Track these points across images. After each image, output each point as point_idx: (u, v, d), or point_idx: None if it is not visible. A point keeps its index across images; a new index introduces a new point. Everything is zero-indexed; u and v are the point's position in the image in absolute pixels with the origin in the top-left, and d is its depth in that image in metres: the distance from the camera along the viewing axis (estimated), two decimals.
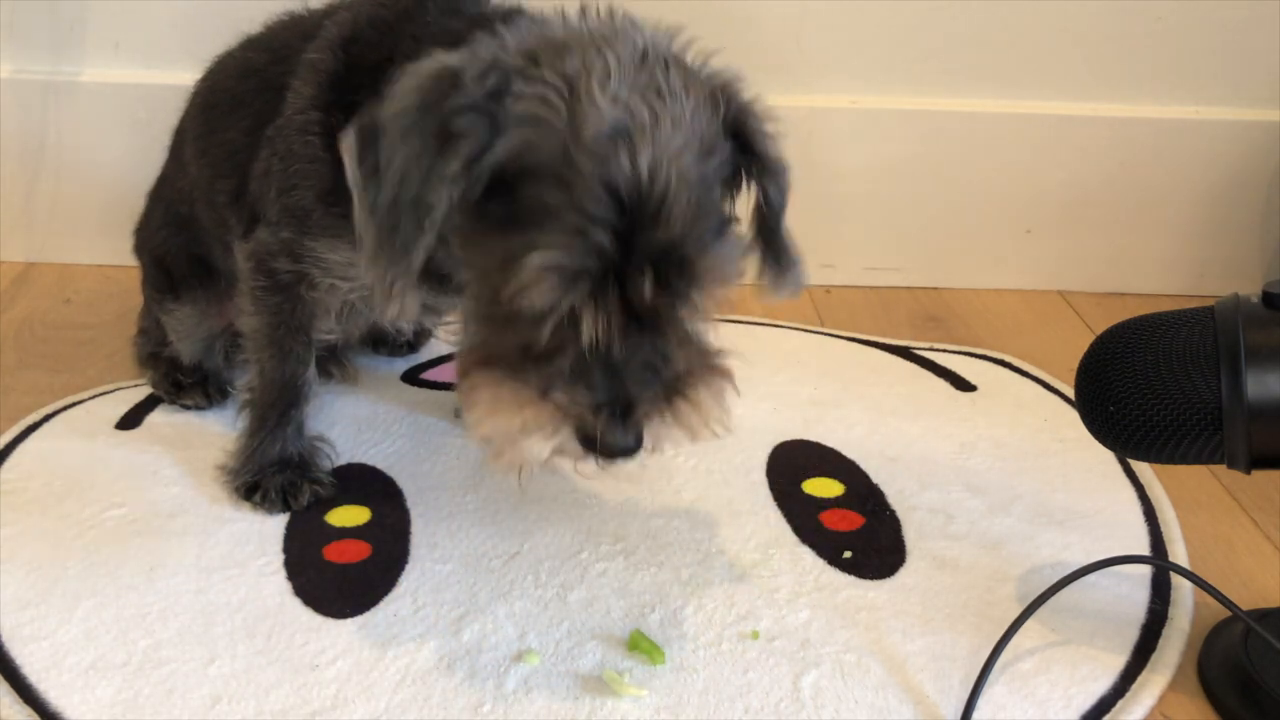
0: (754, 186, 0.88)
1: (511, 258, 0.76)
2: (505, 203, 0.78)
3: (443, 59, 0.79)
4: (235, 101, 1.11)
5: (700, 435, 0.83)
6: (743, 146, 0.85)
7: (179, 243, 1.25)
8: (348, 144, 0.80)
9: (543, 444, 0.80)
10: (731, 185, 0.87)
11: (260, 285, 1.08)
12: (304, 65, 1.03)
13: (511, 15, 0.91)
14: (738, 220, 0.84)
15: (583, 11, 0.85)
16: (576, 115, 0.75)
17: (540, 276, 0.75)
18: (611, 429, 0.79)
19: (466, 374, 0.82)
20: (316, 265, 1.04)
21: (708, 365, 0.84)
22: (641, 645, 0.96)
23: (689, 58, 0.85)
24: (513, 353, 0.80)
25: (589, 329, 0.77)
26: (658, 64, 0.79)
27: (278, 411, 1.14)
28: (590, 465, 0.81)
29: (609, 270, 0.76)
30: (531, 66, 0.78)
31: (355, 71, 0.98)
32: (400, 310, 0.79)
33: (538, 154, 0.76)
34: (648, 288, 0.76)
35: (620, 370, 0.79)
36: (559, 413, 0.79)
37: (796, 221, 1.67)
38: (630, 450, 0.80)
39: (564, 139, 0.75)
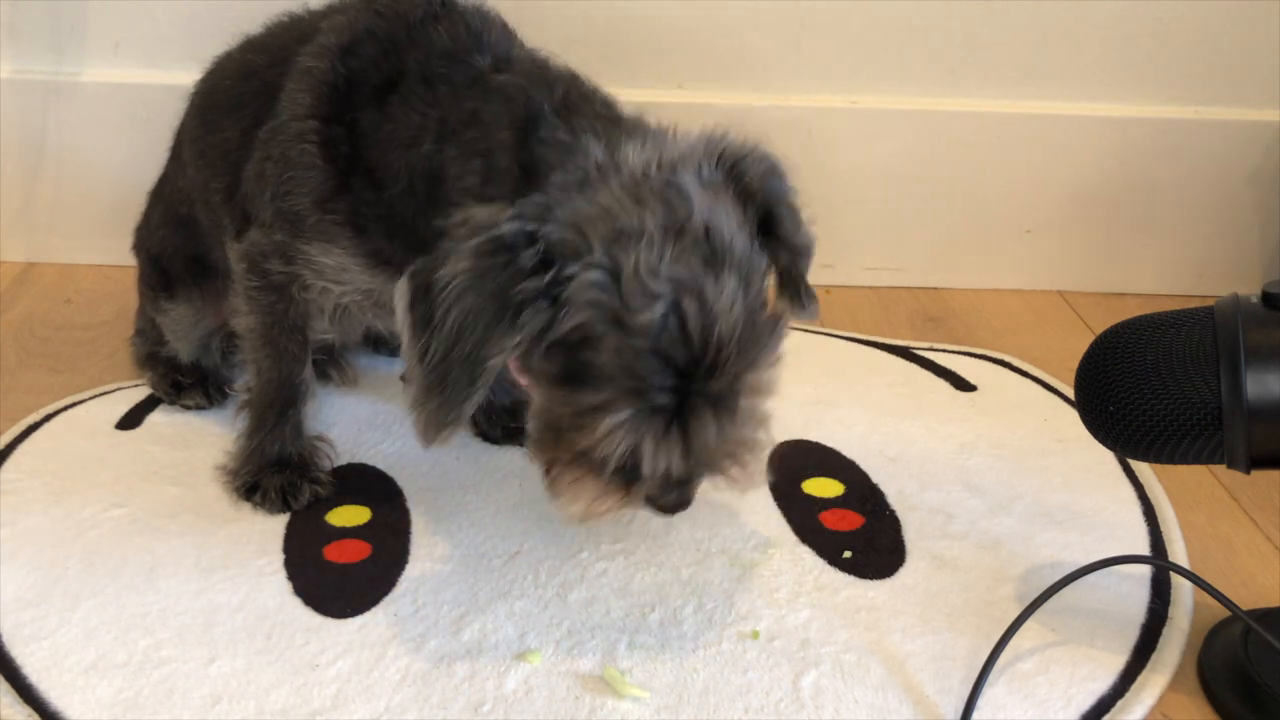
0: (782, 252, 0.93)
1: (581, 414, 0.84)
2: (565, 360, 0.84)
3: (488, 223, 0.82)
4: (233, 103, 1.12)
5: (744, 490, 0.92)
6: (771, 228, 0.90)
7: (177, 242, 1.25)
8: (400, 289, 0.84)
9: (618, 514, 0.91)
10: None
11: (254, 285, 1.08)
12: (300, 70, 1.03)
13: (512, 69, 0.96)
14: (777, 313, 0.90)
15: (610, 150, 0.88)
16: (626, 297, 0.80)
17: (610, 433, 0.83)
18: (673, 499, 0.90)
19: (551, 470, 0.90)
20: (309, 267, 1.04)
21: (751, 432, 0.90)
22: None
23: (714, 160, 0.88)
24: (588, 454, 0.87)
25: (650, 466, 0.85)
26: (694, 229, 0.82)
27: (276, 411, 1.14)
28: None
29: (671, 419, 0.83)
30: (579, 240, 0.82)
31: (355, 88, 1.00)
32: (443, 442, 0.86)
33: (595, 329, 0.81)
34: (712, 432, 0.84)
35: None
36: (633, 497, 0.89)
37: None
38: (685, 506, 0.91)
39: (618, 317, 0.81)
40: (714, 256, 0.82)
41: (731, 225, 0.84)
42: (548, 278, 0.81)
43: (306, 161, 1.01)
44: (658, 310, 0.80)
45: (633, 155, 0.86)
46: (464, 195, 0.93)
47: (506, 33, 1.04)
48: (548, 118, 0.90)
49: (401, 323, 0.84)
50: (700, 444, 0.84)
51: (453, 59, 0.99)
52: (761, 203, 0.89)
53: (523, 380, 0.90)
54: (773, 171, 0.91)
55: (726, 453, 0.88)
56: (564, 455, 0.88)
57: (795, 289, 0.93)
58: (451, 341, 0.81)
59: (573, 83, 0.96)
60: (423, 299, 0.83)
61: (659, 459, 0.84)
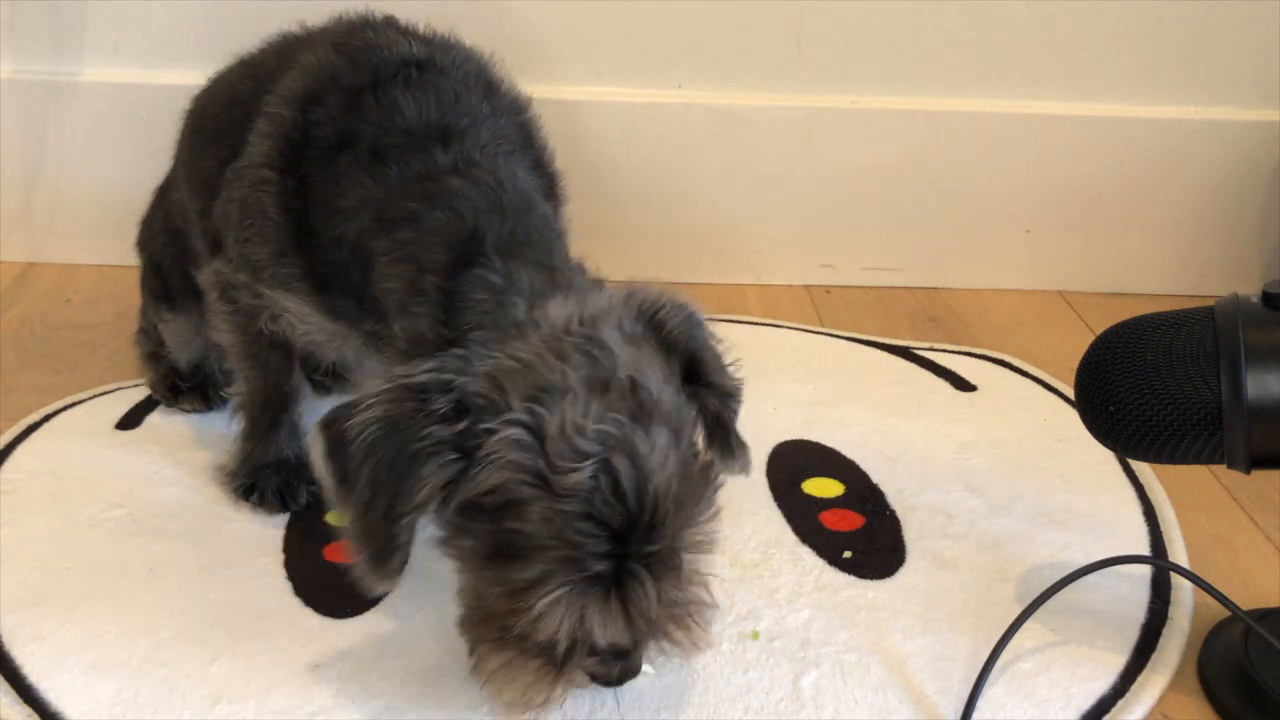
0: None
1: (514, 593, 0.78)
2: (490, 532, 0.78)
3: (405, 375, 0.79)
4: (218, 130, 1.10)
5: (691, 656, 0.89)
6: (696, 375, 0.86)
7: (174, 253, 1.24)
8: (314, 437, 0.81)
9: (559, 703, 0.86)
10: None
11: (225, 309, 1.07)
12: (264, 113, 1.01)
13: (470, 176, 0.91)
14: (710, 462, 0.86)
15: (532, 304, 0.84)
16: (552, 457, 0.75)
17: (548, 611, 0.77)
18: (619, 670, 0.85)
19: (481, 656, 0.85)
20: (273, 305, 1.03)
21: (695, 593, 0.86)
22: None
23: (635, 313, 0.84)
24: (520, 633, 0.81)
25: (600, 637, 0.79)
26: (619, 383, 0.78)
27: (268, 416, 1.13)
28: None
29: (610, 587, 0.77)
30: (497, 395, 0.77)
31: (312, 142, 0.97)
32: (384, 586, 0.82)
33: (517, 493, 0.76)
34: (650, 596, 0.78)
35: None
36: (571, 677, 0.84)
37: (797, 221, 1.67)
38: (634, 675, 0.86)
39: (544, 480, 0.75)
40: (642, 410, 0.77)
41: (657, 377, 0.80)
42: (459, 427, 0.76)
43: (261, 210, 0.99)
44: (587, 470, 0.75)
45: (554, 310, 0.82)
46: (387, 295, 0.91)
47: (489, 96, 1.00)
48: (488, 255, 0.87)
49: (320, 473, 0.80)
50: (640, 611, 0.78)
51: (410, 140, 0.93)
52: (684, 351, 0.85)
53: (450, 557, 0.84)
54: (691, 320, 0.86)
55: (670, 616, 0.83)
56: (491, 633, 0.83)
57: (725, 438, 0.89)
58: (367, 498, 0.78)
59: (525, 213, 0.91)
60: (338, 450, 0.79)
61: (602, 633, 0.79)
